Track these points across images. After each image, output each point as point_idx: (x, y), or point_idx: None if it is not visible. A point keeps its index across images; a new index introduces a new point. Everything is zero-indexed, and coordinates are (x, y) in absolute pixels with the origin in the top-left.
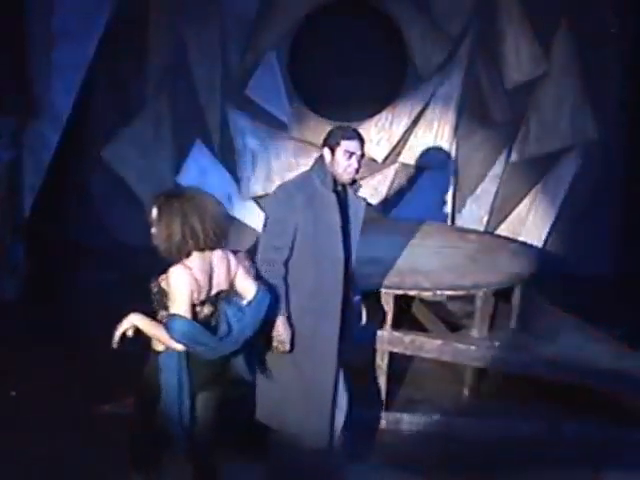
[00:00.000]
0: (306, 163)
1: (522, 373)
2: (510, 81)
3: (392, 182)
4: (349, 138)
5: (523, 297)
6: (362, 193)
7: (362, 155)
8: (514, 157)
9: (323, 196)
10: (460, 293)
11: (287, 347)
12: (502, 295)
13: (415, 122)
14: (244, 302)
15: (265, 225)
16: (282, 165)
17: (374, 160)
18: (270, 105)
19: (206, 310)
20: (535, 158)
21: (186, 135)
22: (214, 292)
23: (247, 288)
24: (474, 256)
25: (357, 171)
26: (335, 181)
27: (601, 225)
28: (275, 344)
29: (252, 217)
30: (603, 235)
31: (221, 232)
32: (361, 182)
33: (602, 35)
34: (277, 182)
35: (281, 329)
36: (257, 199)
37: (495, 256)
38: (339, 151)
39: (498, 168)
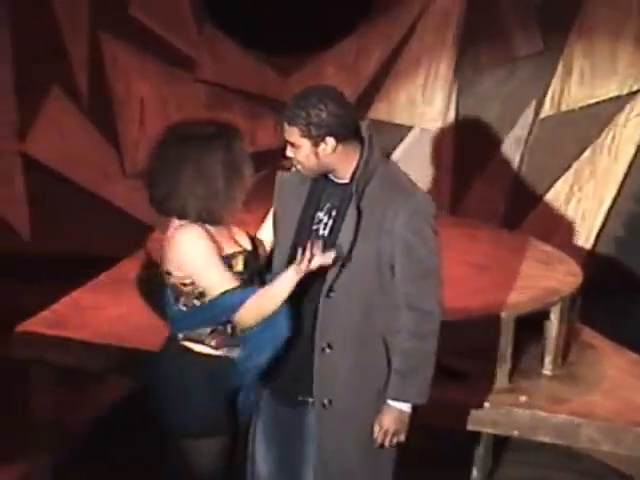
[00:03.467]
0: (226, 117)
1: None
2: None
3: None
4: None
5: (561, 324)
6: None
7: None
8: (547, 110)
9: (292, 189)
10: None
11: None
12: (529, 323)
13: (396, 53)
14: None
15: None
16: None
17: None
18: (166, 30)
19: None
20: (579, 110)
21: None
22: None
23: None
24: (484, 264)
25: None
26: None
27: None
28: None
29: None
30: None
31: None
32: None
33: None
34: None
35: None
36: None
37: (517, 263)
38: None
39: (521, 128)
